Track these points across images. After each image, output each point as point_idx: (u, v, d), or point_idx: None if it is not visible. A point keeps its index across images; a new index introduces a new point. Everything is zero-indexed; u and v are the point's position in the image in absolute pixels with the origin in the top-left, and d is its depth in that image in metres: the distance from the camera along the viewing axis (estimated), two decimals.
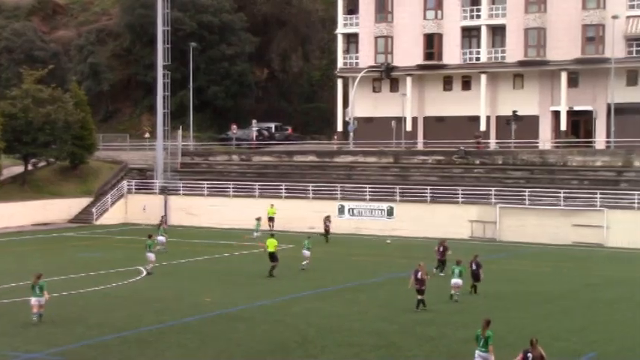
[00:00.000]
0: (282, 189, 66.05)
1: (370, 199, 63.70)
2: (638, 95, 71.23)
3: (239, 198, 67.06)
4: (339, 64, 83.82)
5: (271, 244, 42.03)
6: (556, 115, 75.18)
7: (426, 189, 62.45)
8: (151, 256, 42.94)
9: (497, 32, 77.56)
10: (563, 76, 73.81)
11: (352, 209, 63.90)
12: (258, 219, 57.96)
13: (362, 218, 63.25)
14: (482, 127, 76.40)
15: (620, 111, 68.45)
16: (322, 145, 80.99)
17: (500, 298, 36.45)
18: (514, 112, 72.36)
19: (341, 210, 63.91)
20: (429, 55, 78.91)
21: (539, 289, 39.33)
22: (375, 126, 79.74)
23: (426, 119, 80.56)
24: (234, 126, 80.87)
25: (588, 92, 74.05)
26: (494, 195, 60.13)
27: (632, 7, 71.59)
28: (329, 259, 47.12)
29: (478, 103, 76.98)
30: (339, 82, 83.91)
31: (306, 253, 44.07)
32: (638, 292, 38.78)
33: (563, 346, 27.65)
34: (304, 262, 44.06)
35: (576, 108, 74.34)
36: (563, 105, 74.09)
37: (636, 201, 55.99)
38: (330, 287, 39.52)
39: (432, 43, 78.70)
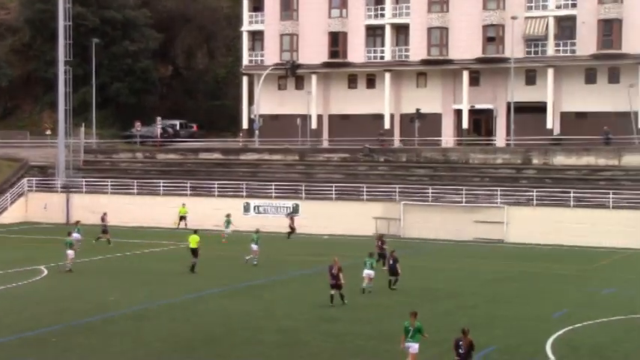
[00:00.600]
0: (187, 187, 65.58)
1: (276, 197, 63.78)
2: (537, 94, 73.00)
3: (143, 196, 66.33)
4: (245, 61, 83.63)
5: (193, 241, 42.27)
6: (458, 113, 76.52)
7: (331, 186, 62.88)
8: (71, 253, 42.62)
9: (401, 31, 78.49)
10: (465, 75, 75.16)
11: (258, 207, 63.87)
12: (228, 216, 57.03)
13: (267, 216, 63.27)
14: (387, 125, 77.25)
15: (519, 110, 70.04)
16: (228, 142, 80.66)
17: (405, 294, 36.91)
18: (417, 110, 73.38)
19: (246, 208, 63.82)
20: (333, 54, 79.37)
21: (442, 284, 40.01)
22: (280, 124, 79.82)
23: (331, 117, 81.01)
24: (138, 123, 79.85)
25: (489, 91, 75.58)
26: (398, 192, 60.88)
27: (530, 8, 73.32)
28: (235, 256, 46.97)
29: (382, 102, 77.79)
30: (245, 80, 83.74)
31: (254, 247, 44.79)
32: (536, 286, 39.77)
33: None
34: (250, 257, 44.91)
35: (478, 106, 75.81)
36: (465, 103, 75.45)
37: (535, 198, 57.43)
38: (236, 285, 39.43)
39: (337, 41, 79.17)
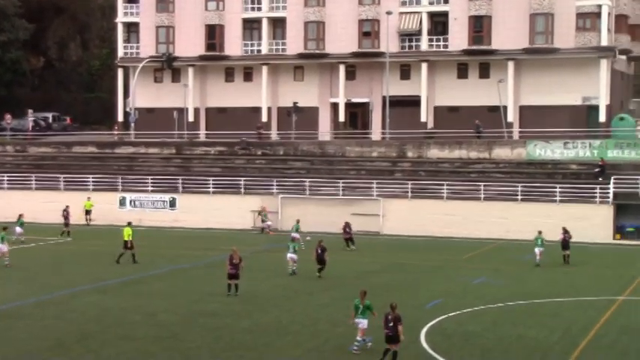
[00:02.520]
0: (60, 181, 64.14)
1: (152, 191, 63.10)
2: (411, 89, 74.27)
3: (14, 190, 64.56)
4: (120, 53, 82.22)
5: (126, 233, 43.59)
6: (335, 106, 77.18)
7: (209, 180, 62.60)
8: (3, 247, 42.51)
9: (278, 25, 78.60)
10: (342, 69, 75.86)
11: (134, 201, 63.04)
12: (262, 210, 58.50)
13: (144, 210, 62.56)
14: (264, 118, 77.29)
15: (394, 103, 71.16)
16: (102, 135, 79.18)
17: (283, 288, 37.13)
18: (295, 103, 73.69)
19: (122, 202, 62.94)
20: (210, 46, 78.86)
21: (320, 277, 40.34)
22: (156, 117, 78.84)
23: (208, 110, 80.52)
24: (9, 116, 77.47)
25: (365, 85, 76.49)
26: (276, 185, 61.10)
27: (404, 3, 74.46)
28: (110, 252, 46.17)
29: (259, 95, 77.78)
30: (120, 72, 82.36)
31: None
32: (411, 277, 40.60)
33: (342, 331, 28.53)
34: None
35: (354, 100, 76.62)
36: (342, 97, 76.14)
37: (410, 190, 58.53)
38: (110, 280, 38.83)
39: (214, 34, 78.71)
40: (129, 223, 45.17)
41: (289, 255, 40.32)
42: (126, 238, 43.72)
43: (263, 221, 58.62)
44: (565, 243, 45.25)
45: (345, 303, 33.73)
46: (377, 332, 25.48)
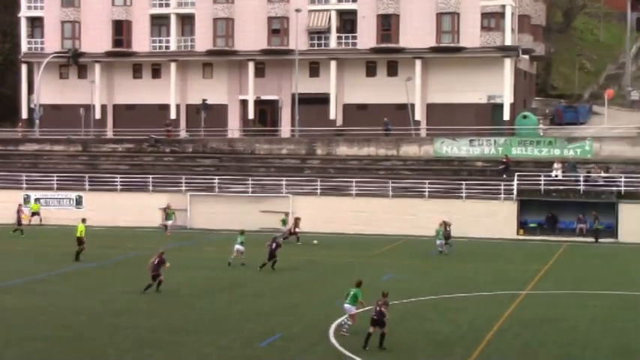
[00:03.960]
0: None
1: (58, 188, 62.02)
2: (320, 86, 74.59)
3: None
4: (24, 48, 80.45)
5: (79, 229, 43.89)
6: (244, 104, 77.01)
7: (116, 177, 61.85)
8: None
9: (187, 21, 77.99)
10: (251, 66, 75.72)
11: (39, 199, 61.84)
12: (167, 208, 57.50)
13: (49, 208, 61.47)
14: (173, 116, 76.63)
15: (304, 101, 71.38)
16: (6, 132, 77.35)
17: (192, 285, 36.94)
18: (204, 100, 73.29)
19: (27, 200, 61.68)
20: (117, 42, 77.80)
21: (229, 274, 40.28)
22: (62, 113, 77.40)
23: (115, 107, 79.42)
24: None
25: (274, 82, 76.49)
26: (185, 183, 60.71)
27: (313, 1, 74.67)
28: (8, 250, 45.20)
29: (168, 92, 77.08)
30: (24, 68, 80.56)
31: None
32: (321, 274, 40.80)
33: (252, 327, 28.57)
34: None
35: (263, 97, 76.56)
36: (251, 94, 76.00)
37: (319, 187, 58.84)
38: (14, 280, 38.01)
39: (121, 29, 77.66)
40: (83, 220, 45.26)
41: (236, 247, 42.15)
42: (78, 235, 43.73)
43: (167, 219, 57.59)
44: (447, 235, 47.56)
45: (254, 300, 33.78)
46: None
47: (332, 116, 74.05)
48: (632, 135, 63.76)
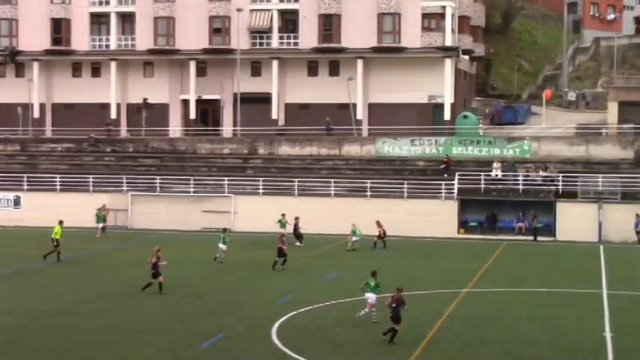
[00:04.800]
0: None
1: None
2: (262, 86, 74.46)
3: None
4: None
5: (56, 231, 43.84)
6: (185, 103, 76.55)
7: (56, 177, 61.08)
8: None
9: (127, 20, 77.27)
10: (192, 65, 75.30)
11: None
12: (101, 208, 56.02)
13: None
14: (113, 115, 75.85)
15: (245, 100, 71.18)
16: None
17: (134, 286, 36.64)
18: (145, 100, 72.71)
19: None
20: (56, 41, 76.77)
21: (170, 274, 39.98)
22: None
23: (54, 106, 78.37)
24: None
25: (216, 82, 76.17)
26: (126, 183, 60.19)
27: (254, 1, 74.54)
28: None
29: (108, 91, 76.25)
30: None
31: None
32: (263, 274, 40.77)
33: (194, 328, 28.47)
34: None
35: (205, 97, 76.16)
36: (193, 94, 75.59)
37: (261, 187, 58.78)
38: None
39: (60, 28, 76.65)
40: (60, 222, 44.93)
41: (220, 245, 43.54)
42: (54, 236, 43.61)
43: (99, 220, 55.80)
44: (383, 235, 49.79)
45: (196, 300, 33.64)
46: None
47: (274, 116, 74.00)
48: (569, 135, 64.82)
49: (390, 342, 26.50)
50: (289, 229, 51.18)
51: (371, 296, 29.51)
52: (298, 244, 50.11)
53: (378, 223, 50.21)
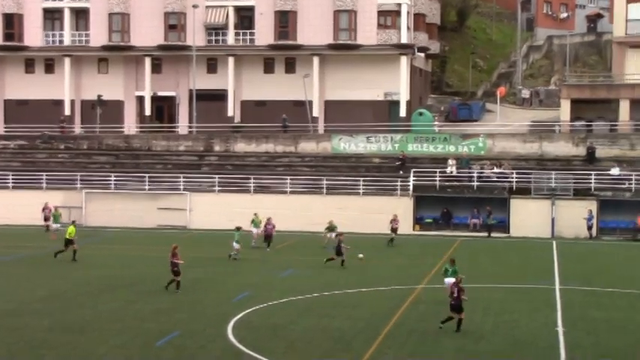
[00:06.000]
0: None
1: None
2: (218, 82, 74.21)
3: None
4: None
5: (69, 231, 42.86)
6: (140, 100, 76.05)
7: (8, 175, 60.40)
8: None
9: (81, 15, 76.57)
10: (147, 62, 74.81)
11: None
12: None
13: None
14: (67, 112, 75.14)
15: (201, 97, 70.96)
16: None
17: (88, 284, 36.38)
18: (99, 96, 72.12)
19: None
20: (8, 36, 75.86)
21: (126, 272, 39.81)
22: None
23: (7, 102, 77.41)
24: None
25: (171, 78, 75.78)
26: (80, 180, 59.72)
27: None
28: None
29: (62, 87, 75.52)
30: None
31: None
32: (219, 271, 40.67)
33: (149, 326, 28.32)
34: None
35: (160, 93, 75.71)
36: (148, 90, 75.11)
37: (217, 184, 58.63)
38: None
39: (12, 23, 75.71)
40: (73, 222, 44.35)
41: (234, 244, 43.57)
42: (68, 237, 42.76)
43: (56, 220, 54.04)
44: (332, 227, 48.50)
45: (150, 298, 33.44)
46: None
47: (230, 113, 73.82)
48: (523, 132, 65.46)
49: (457, 330, 27.66)
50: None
51: (449, 281, 31.08)
52: (267, 250, 47.79)
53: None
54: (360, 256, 42.06)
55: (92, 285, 36.20)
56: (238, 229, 44.58)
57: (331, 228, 48.51)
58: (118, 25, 74.96)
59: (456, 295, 27.83)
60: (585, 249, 50.35)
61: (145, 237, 53.55)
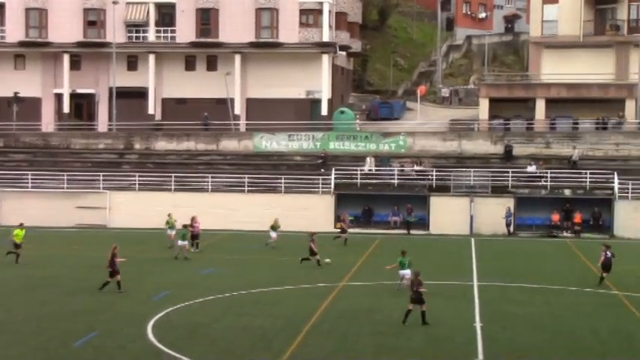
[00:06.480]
0: None
1: None
2: (139, 80, 73.42)
3: None
4: None
5: (18, 234, 42.17)
6: (59, 97, 74.78)
7: None
8: None
9: None
10: (66, 58, 73.58)
11: None
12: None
13: None
14: None
15: (121, 95, 70.08)
16: None
17: (3, 285, 35.69)
18: (16, 93, 70.70)
19: None
20: None
21: (42, 272, 39.16)
22: None
23: None
24: None
25: (91, 75, 74.65)
26: None
27: None
28: None
29: None
30: None
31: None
32: (138, 269, 40.23)
33: (67, 327, 27.93)
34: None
35: (79, 91, 74.54)
36: (66, 87, 73.91)
37: (137, 182, 58.06)
38: None
39: None
40: (21, 225, 43.16)
41: (180, 242, 43.48)
42: (17, 240, 41.98)
43: None
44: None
45: (69, 298, 32.95)
46: None
47: (150, 110, 73.11)
48: (442, 130, 66.30)
49: (423, 322, 28.49)
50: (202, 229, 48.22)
51: (406, 273, 33.54)
52: (193, 250, 45.73)
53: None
54: (327, 260, 41.95)
55: (8, 286, 35.51)
56: (185, 226, 44.32)
57: (275, 227, 48.39)
58: (35, 21, 73.58)
59: (416, 288, 28.66)
60: (502, 246, 51.27)
61: (63, 236, 52.73)
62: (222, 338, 27.00)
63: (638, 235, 53.51)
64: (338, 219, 53.71)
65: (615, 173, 55.41)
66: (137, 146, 64.56)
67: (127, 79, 72.63)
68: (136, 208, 56.88)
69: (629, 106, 65.62)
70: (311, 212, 56.10)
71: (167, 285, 36.00)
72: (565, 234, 54.87)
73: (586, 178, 56.07)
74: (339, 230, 51.25)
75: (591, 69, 68.37)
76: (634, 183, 54.70)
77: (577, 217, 54.98)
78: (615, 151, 60.33)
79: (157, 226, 54.99)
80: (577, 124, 65.28)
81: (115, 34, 70.21)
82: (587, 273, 40.36)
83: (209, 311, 31.04)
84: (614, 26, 70.14)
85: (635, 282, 37.37)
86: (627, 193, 54.69)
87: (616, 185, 54.91)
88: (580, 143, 60.66)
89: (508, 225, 54.93)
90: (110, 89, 71.61)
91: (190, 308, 31.50)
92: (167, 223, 48.36)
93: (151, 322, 28.72)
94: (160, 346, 25.81)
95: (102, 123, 72.99)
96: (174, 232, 46.97)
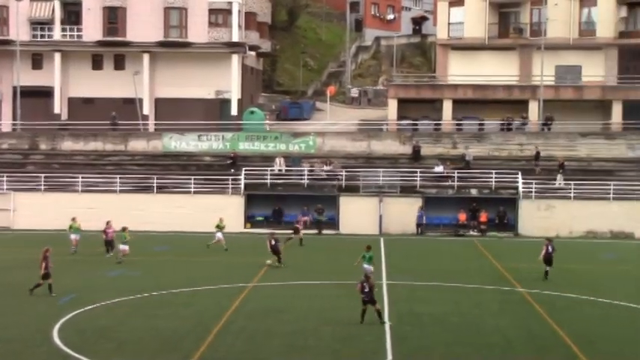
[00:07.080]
0: None
1: None
2: (44, 79, 72.16)
3: None
4: None
5: None
6: None
7: None
8: None
9: None
10: None
11: None
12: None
13: None
14: None
15: (26, 94, 68.70)
16: None
17: None
18: None
19: None
20: None
21: None
22: None
23: None
24: None
25: None
26: None
27: None
28: None
29: None
30: None
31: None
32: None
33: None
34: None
35: None
36: None
37: (42, 183, 56.95)
38: None
39: None
40: None
41: (120, 245, 42.75)
42: None
43: None
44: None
45: None
46: None
47: (56, 110, 71.93)
48: (352, 131, 66.79)
49: (381, 322, 28.87)
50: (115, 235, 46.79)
51: (368, 268, 34.72)
52: (108, 255, 44.90)
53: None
54: (269, 262, 41.73)
55: None
56: (124, 229, 43.45)
57: (220, 227, 47.74)
58: None
59: (367, 290, 28.85)
60: (411, 245, 51.89)
61: None
62: (130, 340, 26.72)
63: (541, 233, 54.74)
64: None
65: (520, 173, 56.65)
66: (42, 146, 63.32)
67: (32, 78, 71.31)
68: (41, 210, 55.75)
69: (533, 107, 67.22)
70: (221, 213, 55.64)
71: (74, 288, 35.40)
72: (471, 233, 55.82)
73: (491, 178, 57.18)
74: (291, 232, 50.84)
75: (496, 71, 69.93)
76: (537, 182, 56.03)
77: (483, 217, 55.99)
78: (519, 151, 61.65)
79: (63, 228, 54.14)
80: (483, 124, 66.53)
81: (18, 31, 68.75)
82: (493, 271, 41.21)
83: (117, 313, 30.68)
84: (517, 29, 71.84)
85: (537, 279, 38.31)
86: (531, 192, 55.98)
87: (520, 185, 56.13)
88: (485, 143, 61.81)
89: (419, 225, 55.54)
90: (14, 88, 70.09)
91: (97, 311, 31.09)
92: (70, 227, 46.88)
93: (57, 326, 28.25)
94: (67, 349, 25.42)
95: (5, 123, 71.42)
96: (78, 237, 45.98)
